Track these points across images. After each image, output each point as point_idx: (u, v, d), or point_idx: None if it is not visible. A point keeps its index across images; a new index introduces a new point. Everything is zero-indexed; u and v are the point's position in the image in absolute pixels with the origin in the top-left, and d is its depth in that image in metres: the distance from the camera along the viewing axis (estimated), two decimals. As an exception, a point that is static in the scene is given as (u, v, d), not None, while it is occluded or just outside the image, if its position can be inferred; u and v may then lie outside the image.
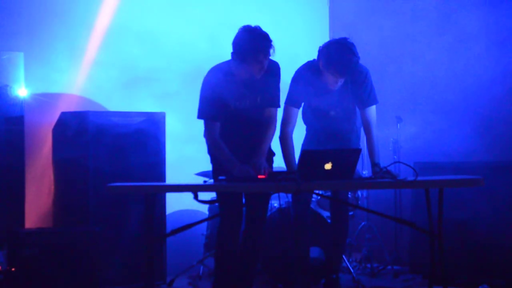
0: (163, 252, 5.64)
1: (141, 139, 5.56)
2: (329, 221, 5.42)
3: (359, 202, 6.10)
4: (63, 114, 5.69)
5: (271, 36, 4.46)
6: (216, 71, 4.58)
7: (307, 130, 5.18)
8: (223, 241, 4.59)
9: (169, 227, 5.48)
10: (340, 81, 4.80)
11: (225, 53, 4.56)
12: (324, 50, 4.77)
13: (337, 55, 4.69)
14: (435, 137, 6.33)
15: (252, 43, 4.40)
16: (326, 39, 5.48)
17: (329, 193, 5.38)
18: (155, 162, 5.63)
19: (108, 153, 5.44)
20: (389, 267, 6.18)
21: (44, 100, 5.74)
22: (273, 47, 4.45)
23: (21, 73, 5.38)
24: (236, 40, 4.46)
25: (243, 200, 4.65)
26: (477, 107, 6.27)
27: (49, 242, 4.97)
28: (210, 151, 4.65)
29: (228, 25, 4.64)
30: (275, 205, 5.61)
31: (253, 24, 4.49)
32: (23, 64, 5.39)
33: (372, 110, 4.93)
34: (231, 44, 4.48)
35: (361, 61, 4.86)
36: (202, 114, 4.57)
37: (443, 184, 4.47)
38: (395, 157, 6.17)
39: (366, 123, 4.93)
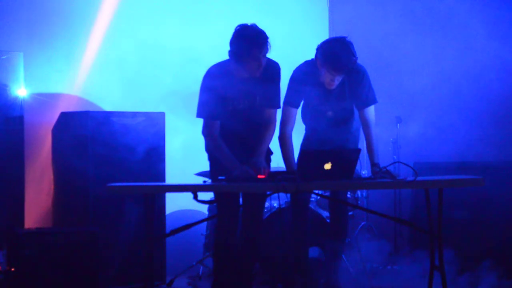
0: (162, 252, 5.64)
1: (141, 139, 5.56)
2: (328, 221, 5.42)
3: (359, 202, 6.09)
4: (63, 114, 5.69)
5: (271, 36, 4.45)
6: (215, 69, 4.57)
7: (306, 130, 5.17)
8: (221, 241, 4.59)
9: (169, 227, 5.47)
10: (337, 80, 4.78)
11: (224, 52, 4.55)
12: (322, 47, 4.77)
13: (334, 51, 4.68)
14: (435, 137, 6.33)
15: (247, 40, 4.39)
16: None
17: (328, 193, 5.37)
18: (154, 162, 5.63)
19: (108, 153, 5.44)
20: (389, 267, 6.17)
21: (43, 100, 5.74)
22: (269, 44, 4.44)
23: (20, 73, 5.38)
24: (232, 39, 4.46)
25: (240, 200, 4.65)
26: (477, 107, 6.27)
27: (49, 242, 4.96)
28: (208, 149, 4.64)
29: (227, 25, 4.64)
30: (275, 205, 5.60)
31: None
32: (23, 64, 5.39)
33: (371, 110, 4.90)
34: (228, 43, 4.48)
35: (361, 61, 4.84)
36: (201, 112, 4.56)
37: (443, 184, 4.46)
38: (395, 157, 6.17)
39: (365, 123, 4.91)
